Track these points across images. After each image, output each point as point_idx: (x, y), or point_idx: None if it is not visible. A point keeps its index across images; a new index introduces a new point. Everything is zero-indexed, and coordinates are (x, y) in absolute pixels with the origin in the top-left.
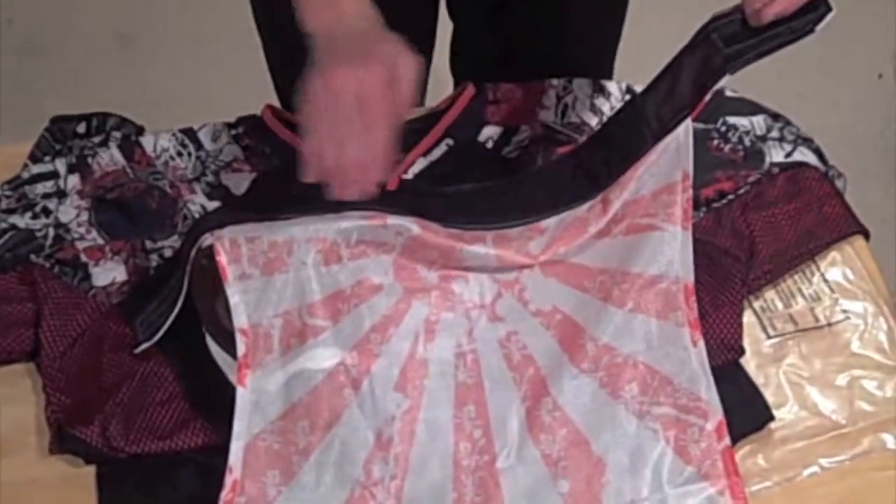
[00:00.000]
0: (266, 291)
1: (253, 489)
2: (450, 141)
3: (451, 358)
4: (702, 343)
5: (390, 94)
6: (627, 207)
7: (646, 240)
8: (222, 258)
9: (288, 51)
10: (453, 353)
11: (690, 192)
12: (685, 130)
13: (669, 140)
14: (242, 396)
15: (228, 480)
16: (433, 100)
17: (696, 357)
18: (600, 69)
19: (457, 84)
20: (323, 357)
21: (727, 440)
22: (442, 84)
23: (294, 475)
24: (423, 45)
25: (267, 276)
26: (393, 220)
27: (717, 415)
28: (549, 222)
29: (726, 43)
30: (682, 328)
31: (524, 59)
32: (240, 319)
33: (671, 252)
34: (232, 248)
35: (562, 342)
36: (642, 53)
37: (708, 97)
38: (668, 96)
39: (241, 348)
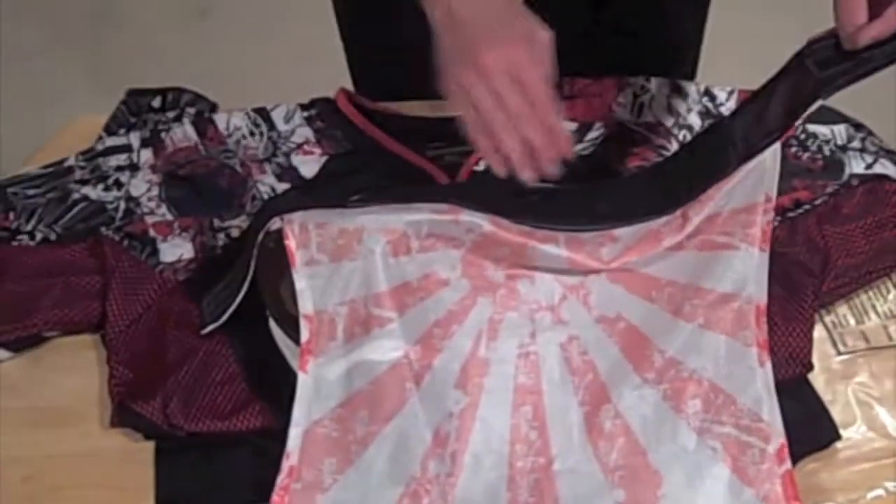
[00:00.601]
0: (333, 278)
1: (309, 475)
2: None
3: (512, 358)
4: (769, 364)
5: (540, 69)
6: (704, 224)
7: (721, 257)
8: (291, 242)
9: (371, 41)
10: (515, 354)
11: (772, 214)
12: (773, 154)
13: (755, 162)
14: (304, 382)
15: (285, 465)
16: None
17: (761, 378)
18: (683, 70)
19: None
20: (387, 348)
21: (788, 464)
22: None
23: (350, 464)
24: None
25: (335, 262)
26: (465, 217)
27: (779, 438)
28: (623, 232)
29: (820, 68)
30: (750, 348)
31: (609, 54)
32: (305, 305)
33: (745, 271)
34: (301, 233)
35: (624, 350)
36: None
37: (799, 122)
38: (757, 120)
39: (304, 334)
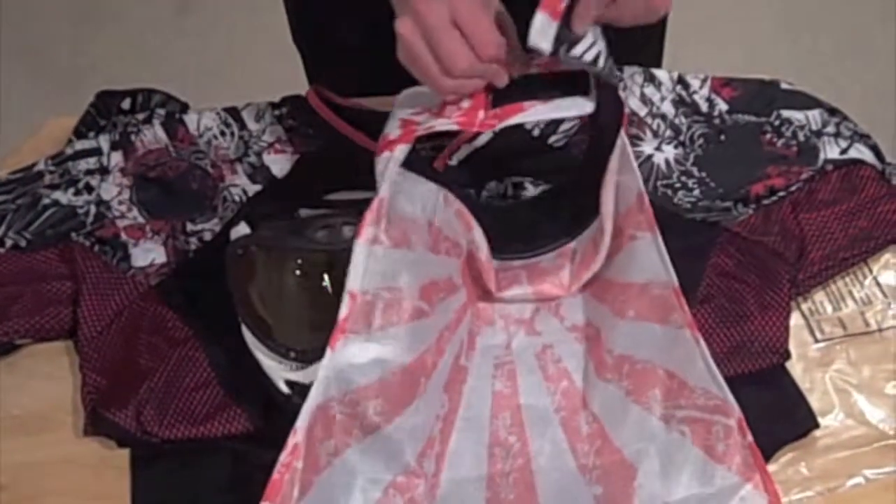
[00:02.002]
0: (382, 263)
1: (310, 455)
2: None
3: (489, 367)
4: (702, 342)
5: (485, 11)
6: (621, 221)
7: (630, 250)
8: (369, 214)
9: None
10: (492, 364)
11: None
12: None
13: (619, 156)
14: (329, 360)
15: (290, 442)
16: None
17: (701, 356)
18: (648, 57)
19: None
20: (413, 342)
21: (750, 436)
22: None
23: (346, 448)
24: None
25: (391, 248)
26: (476, 233)
27: (736, 411)
28: (574, 245)
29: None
30: (682, 329)
31: None
32: (353, 282)
33: (650, 257)
34: (378, 208)
35: (589, 353)
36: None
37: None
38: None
39: (343, 311)
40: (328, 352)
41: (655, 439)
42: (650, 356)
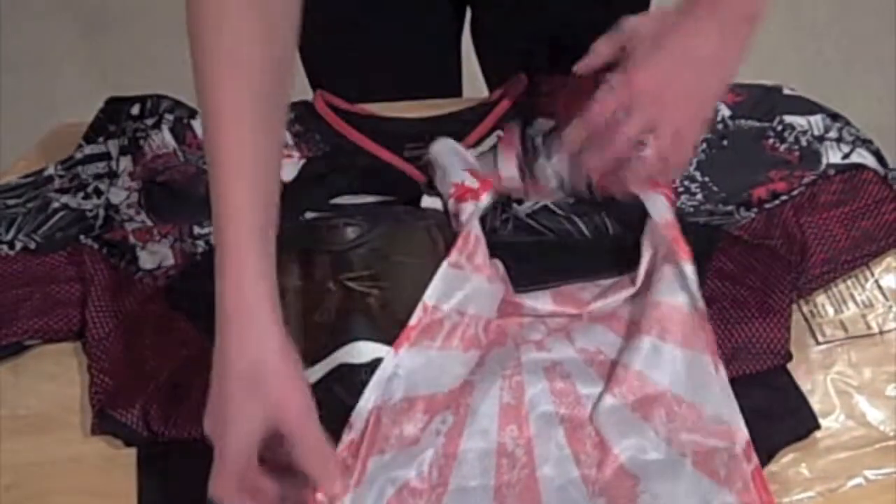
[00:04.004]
0: (457, 284)
1: (352, 451)
2: (500, 133)
3: (497, 381)
4: (721, 367)
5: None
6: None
7: (661, 272)
8: (461, 241)
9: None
10: (500, 377)
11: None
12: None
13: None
14: (388, 363)
15: (346, 438)
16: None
17: (718, 383)
18: None
19: (485, 74)
20: (464, 368)
21: (755, 460)
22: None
23: (379, 453)
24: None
25: (469, 272)
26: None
27: (743, 437)
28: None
29: None
30: (703, 355)
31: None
32: (429, 296)
33: (680, 281)
34: (467, 240)
35: (600, 373)
36: None
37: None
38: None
39: (413, 319)
40: (391, 352)
41: (658, 459)
42: (661, 377)
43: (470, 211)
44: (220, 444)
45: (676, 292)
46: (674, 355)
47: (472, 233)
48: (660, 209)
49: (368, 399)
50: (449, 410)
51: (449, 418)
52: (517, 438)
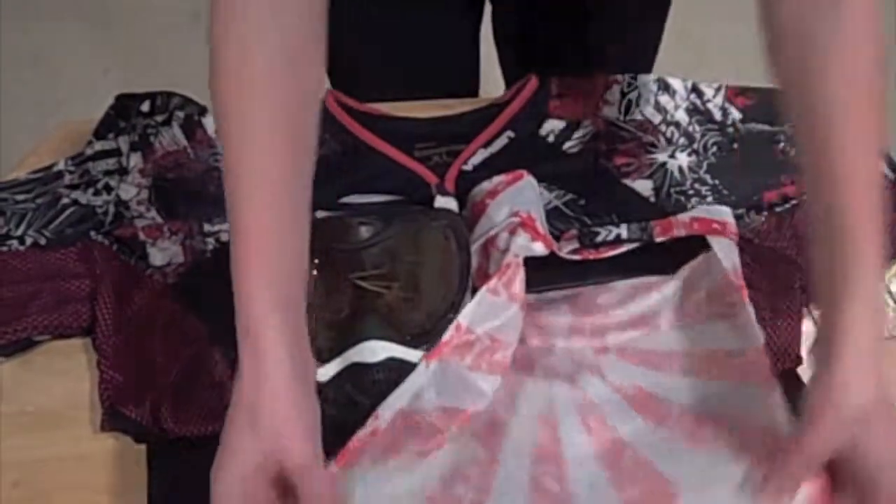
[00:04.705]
0: (493, 311)
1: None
2: (511, 133)
3: (532, 417)
4: (778, 393)
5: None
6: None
7: (716, 324)
8: (509, 264)
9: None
10: (535, 414)
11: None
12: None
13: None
14: (421, 370)
15: (370, 425)
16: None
17: (777, 406)
18: (640, 67)
19: (504, 73)
20: (491, 392)
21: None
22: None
23: (393, 457)
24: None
25: (504, 299)
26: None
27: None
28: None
29: None
30: (758, 389)
31: (567, 52)
32: (463, 316)
33: (743, 329)
34: (507, 269)
35: (639, 410)
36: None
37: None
38: None
39: (446, 335)
40: (423, 362)
41: (702, 466)
42: (713, 408)
43: (521, 242)
44: (213, 486)
45: (737, 340)
46: (725, 388)
47: (517, 262)
48: (731, 256)
49: (401, 397)
50: (473, 437)
51: (479, 452)
52: (554, 471)
